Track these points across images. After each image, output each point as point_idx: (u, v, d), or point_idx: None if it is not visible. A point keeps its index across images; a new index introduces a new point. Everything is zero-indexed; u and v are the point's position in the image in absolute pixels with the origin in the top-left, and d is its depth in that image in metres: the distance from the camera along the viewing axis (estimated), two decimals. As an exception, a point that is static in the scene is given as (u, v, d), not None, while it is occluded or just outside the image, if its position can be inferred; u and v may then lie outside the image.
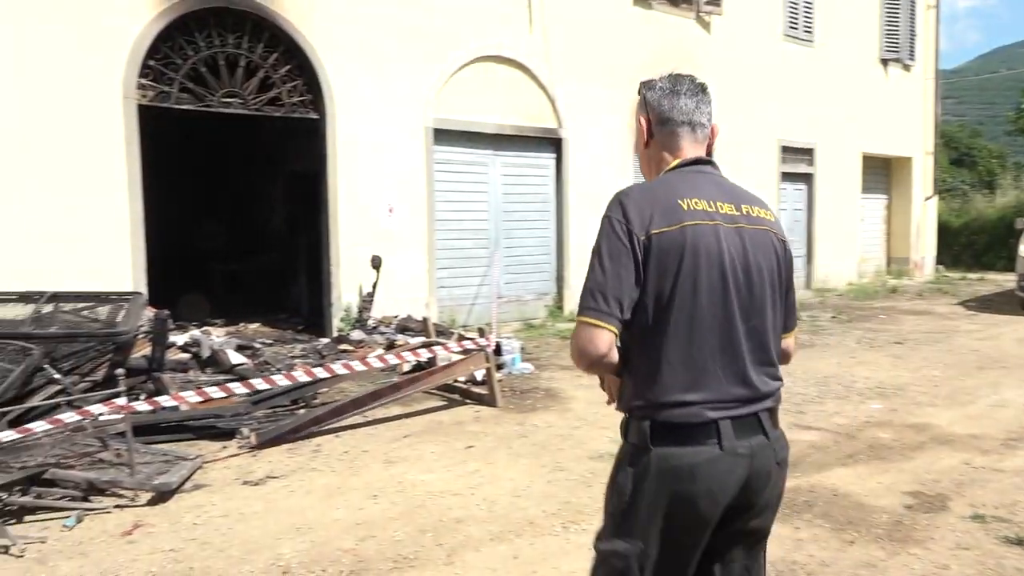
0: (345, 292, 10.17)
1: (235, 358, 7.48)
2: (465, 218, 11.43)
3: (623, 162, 13.03)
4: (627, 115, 12.99)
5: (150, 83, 8.77)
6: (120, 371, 5.21)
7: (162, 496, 5.02)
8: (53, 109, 8.07)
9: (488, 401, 7.21)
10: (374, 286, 10.13)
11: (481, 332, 7.24)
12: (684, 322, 1.97)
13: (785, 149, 15.67)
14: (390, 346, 8.97)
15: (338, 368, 6.10)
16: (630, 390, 2.07)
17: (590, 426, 6.64)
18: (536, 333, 11.09)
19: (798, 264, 16.25)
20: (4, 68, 7.82)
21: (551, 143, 12.31)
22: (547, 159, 12.33)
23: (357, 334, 9.46)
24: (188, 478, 5.32)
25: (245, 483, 5.35)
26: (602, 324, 1.98)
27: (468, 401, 7.35)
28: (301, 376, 5.85)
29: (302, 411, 6.86)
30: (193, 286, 12.06)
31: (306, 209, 10.97)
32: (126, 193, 8.53)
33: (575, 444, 6.16)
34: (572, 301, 12.40)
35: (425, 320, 9.14)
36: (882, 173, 18.89)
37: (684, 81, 2.17)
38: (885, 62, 17.92)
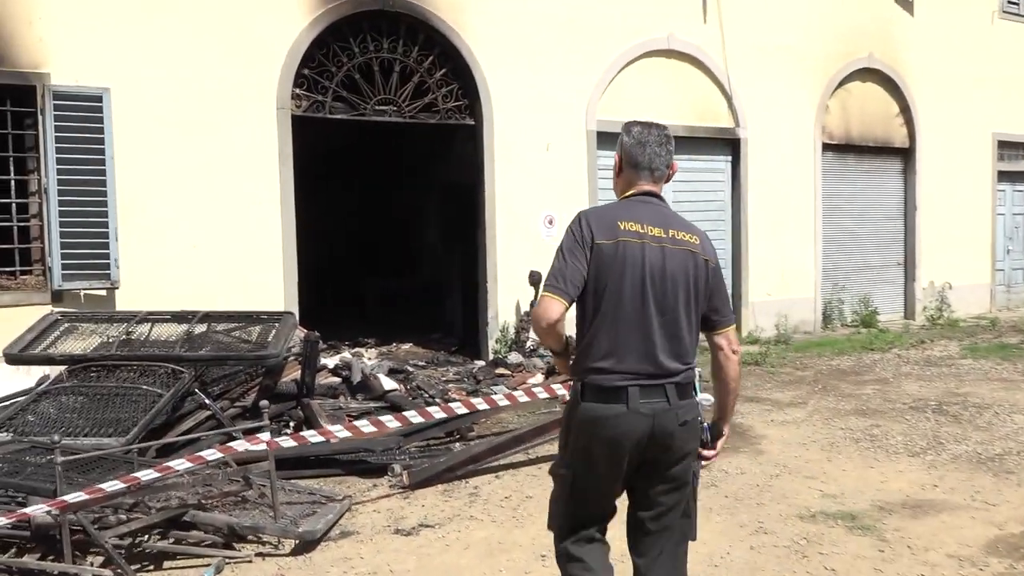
0: (502, 311, 9.50)
1: (387, 383, 6.92)
2: (631, 228, 10.51)
3: (810, 165, 11.70)
4: (815, 111, 11.67)
5: (304, 92, 8.45)
6: (264, 403, 4.67)
7: (306, 545, 4.44)
8: (207, 122, 7.86)
9: (666, 438, 6.27)
10: (532, 304, 9.40)
11: None
12: (611, 311, 2.63)
13: (1003, 144, 13.72)
14: (550, 372, 8.19)
15: (500, 398, 5.36)
16: (575, 359, 2.75)
17: (792, 474, 5.56)
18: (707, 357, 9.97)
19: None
20: (163, 79, 7.67)
21: (727, 144, 11.19)
22: (722, 162, 11.22)
23: (515, 357, 8.75)
24: (335, 523, 4.72)
25: (396, 532, 4.69)
26: (557, 297, 2.62)
27: (642, 437, 6.43)
28: (459, 408, 5.15)
29: (457, 445, 6.18)
30: (345, 303, 11.84)
31: (461, 222, 10.42)
32: (278, 207, 8.22)
33: (777, 498, 5.11)
34: (751, 321, 11.21)
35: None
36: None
37: (652, 133, 2.81)
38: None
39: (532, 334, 9.36)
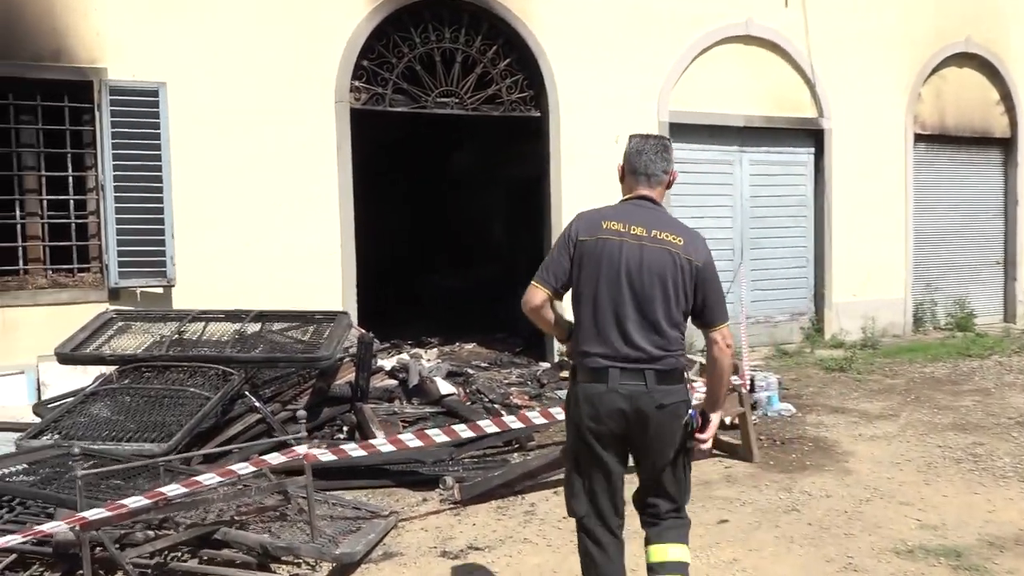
0: (570, 313, 9.07)
1: (444, 387, 6.58)
2: (705, 225, 9.89)
3: (900, 157, 10.93)
4: (906, 99, 10.89)
5: (363, 84, 8.19)
6: (302, 413, 4.39)
7: (345, 568, 4.12)
8: (263, 116, 7.66)
9: (741, 454, 5.77)
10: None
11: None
12: (591, 301, 2.95)
13: None
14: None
15: (558, 411, 4.95)
16: (571, 343, 3.08)
17: (885, 499, 5.00)
18: (791, 362, 9.36)
19: None
20: (219, 73, 7.50)
21: (809, 136, 10.50)
22: (804, 155, 10.54)
23: (581, 358, 8.33)
24: (377, 543, 4.39)
25: (443, 554, 4.34)
26: (539, 285, 3.02)
27: (715, 451, 5.94)
28: (513, 422, 4.76)
29: (515, 456, 5.80)
30: (407, 301, 11.58)
31: (525, 217, 10.05)
32: (336, 204, 7.98)
33: (868, 528, 4.57)
34: (835, 324, 10.52)
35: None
36: None
37: (649, 142, 3.16)
38: None
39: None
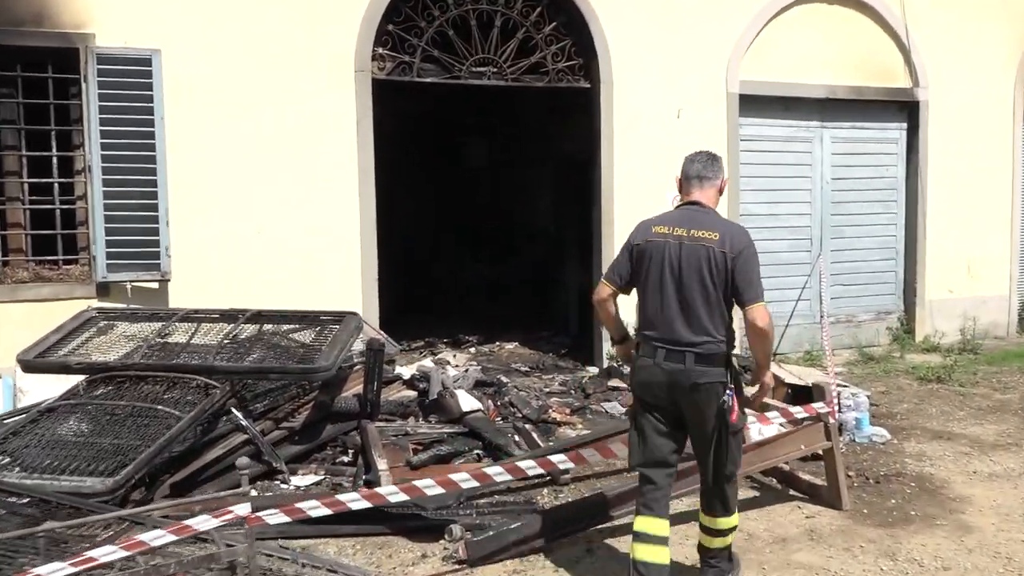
0: (624, 313, 8.00)
1: (466, 402, 5.60)
2: (779, 211, 8.76)
3: (1008, 135, 9.49)
4: (1015, 70, 9.45)
5: (388, 52, 7.22)
6: (243, 461, 3.46)
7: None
8: (272, 88, 6.78)
9: (827, 498, 4.63)
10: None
11: (819, 392, 4.61)
12: (646, 294, 3.39)
13: None
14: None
15: (590, 452, 3.92)
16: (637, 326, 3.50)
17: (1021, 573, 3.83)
18: (879, 370, 8.11)
19: None
20: (221, 38, 6.62)
21: (902, 109, 9.17)
22: (894, 130, 9.21)
23: (633, 365, 7.25)
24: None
25: (439, 636, 3.36)
26: (606, 283, 3.53)
27: (792, 492, 4.82)
28: (530, 468, 3.73)
29: (544, 495, 4.77)
30: (445, 292, 10.65)
31: (575, 202, 8.99)
32: (356, 186, 7.05)
33: (1005, 618, 3.43)
34: (928, 324, 9.21)
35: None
36: None
37: (702, 154, 3.57)
38: None
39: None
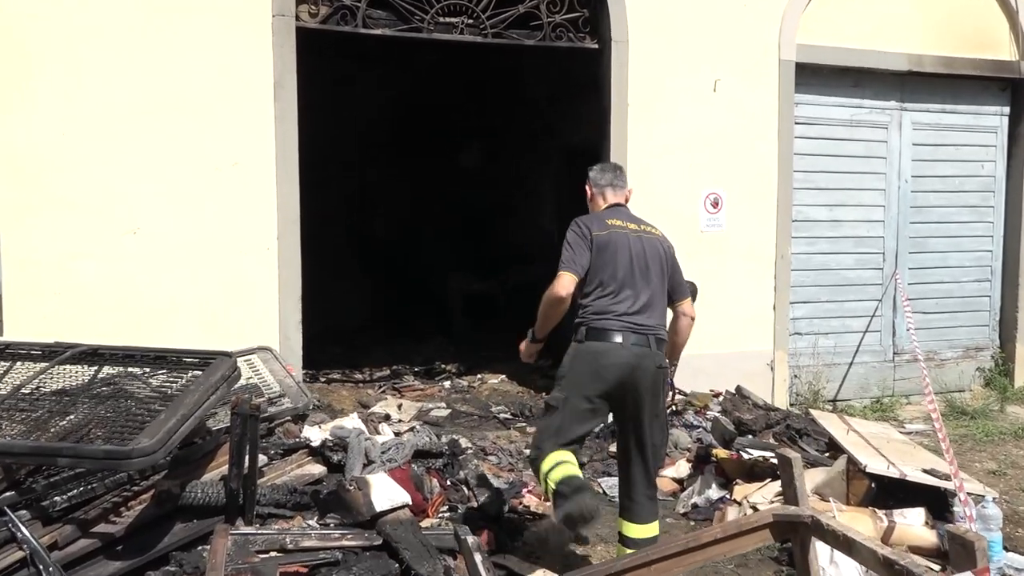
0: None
1: (383, 495, 3.66)
2: (843, 217, 6.79)
3: None
4: None
5: (322, -7, 5.38)
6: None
7: None
8: (158, 35, 4.95)
9: None
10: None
11: (960, 555, 2.66)
12: (609, 281, 3.39)
13: None
14: (704, 456, 4.77)
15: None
16: (580, 315, 3.44)
17: None
18: (976, 429, 6.08)
19: None
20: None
21: (1004, 88, 7.15)
22: (994, 116, 7.19)
23: (646, 423, 5.33)
24: None
25: None
26: (571, 273, 3.38)
27: None
28: None
29: None
30: (426, 308, 8.81)
31: (581, 201, 7.05)
32: (273, 171, 5.22)
33: None
34: (1035, 366, 7.15)
35: (814, 416, 4.78)
36: None
37: (609, 167, 3.80)
38: None
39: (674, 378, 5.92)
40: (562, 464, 3.25)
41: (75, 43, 4.80)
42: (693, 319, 3.63)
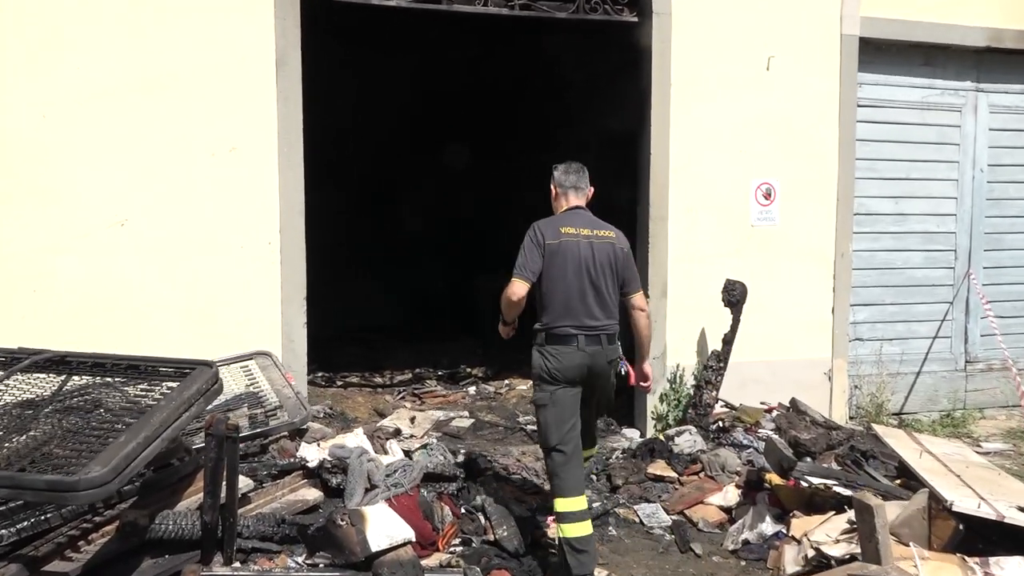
0: (674, 343, 5.53)
1: (380, 532, 3.16)
2: (911, 210, 6.13)
3: None
4: None
5: (331, -40, 4.87)
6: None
7: None
8: (146, 5, 4.49)
9: None
10: (728, 339, 5.32)
11: None
12: (561, 287, 3.62)
13: None
14: (755, 481, 4.18)
15: None
16: (539, 319, 3.69)
17: None
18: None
19: None
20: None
21: (1097, 65, 6.42)
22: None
23: (686, 440, 4.74)
24: None
25: None
26: (523, 280, 3.62)
27: None
28: None
29: None
30: (456, 308, 8.29)
31: (617, 193, 6.47)
32: (274, 157, 4.73)
33: None
34: None
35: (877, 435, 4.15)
36: None
37: (573, 166, 3.87)
38: None
39: (720, 394, 5.31)
40: (580, 524, 3.53)
41: (54, 14, 4.36)
42: (644, 311, 3.84)
